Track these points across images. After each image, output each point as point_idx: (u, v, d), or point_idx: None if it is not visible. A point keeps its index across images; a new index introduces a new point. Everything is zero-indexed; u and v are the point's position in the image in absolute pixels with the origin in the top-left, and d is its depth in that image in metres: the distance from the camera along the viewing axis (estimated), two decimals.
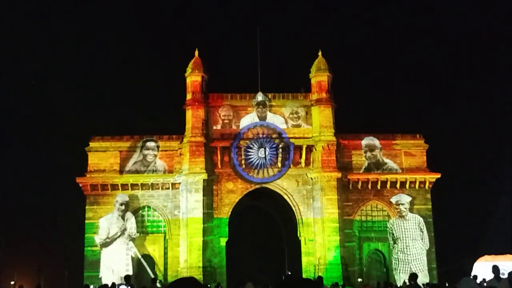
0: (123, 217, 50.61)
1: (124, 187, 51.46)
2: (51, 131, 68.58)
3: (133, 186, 51.57)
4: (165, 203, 51.77)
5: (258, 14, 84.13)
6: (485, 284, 24.75)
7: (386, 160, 53.53)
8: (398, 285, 44.71)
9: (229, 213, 51.45)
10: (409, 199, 52.41)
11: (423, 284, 37.54)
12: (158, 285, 26.37)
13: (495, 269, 14.93)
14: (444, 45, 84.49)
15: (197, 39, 77.37)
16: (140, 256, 50.70)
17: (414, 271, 49.87)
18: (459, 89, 77.60)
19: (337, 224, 50.16)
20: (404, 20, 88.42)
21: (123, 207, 50.57)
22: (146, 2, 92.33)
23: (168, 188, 51.79)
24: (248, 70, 58.12)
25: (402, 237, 51.79)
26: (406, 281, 37.09)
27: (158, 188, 51.79)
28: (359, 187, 52.77)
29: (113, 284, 30.20)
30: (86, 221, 51.18)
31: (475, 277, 30.67)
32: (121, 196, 50.62)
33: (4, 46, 69.48)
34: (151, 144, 52.47)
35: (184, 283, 3.88)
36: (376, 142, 53.71)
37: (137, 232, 50.98)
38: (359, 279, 50.14)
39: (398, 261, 51.38)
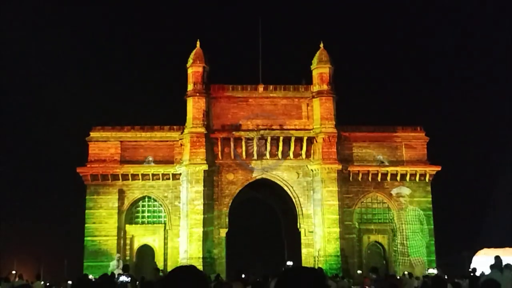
0: None
1: (125, 177, 51.49)
2: (52, 120, 68.66)
3: (134, 176, 51.61)
4: (165, 194, 51.83)
5: (260, 6, 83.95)
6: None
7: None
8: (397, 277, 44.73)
9: (230, 204, 51.49)
10: (409, 191, 52.42)
11: (423, 276, 37.56)
12: (159, 273, 26.49)
13: (497, 260, 14.68)
14: (446, 38, 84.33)
15: (198, 30, 77.43)
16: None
17: (413, 263, 50.07)
18: (460, 82, 77.52)
19: (337, 216, 50.18)
20: (405, 15, 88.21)
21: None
22: None
23: (169, 179, 51.80)
24: (250, 61, 58.03)
25: (402, 229, 51.85)
26: (406, 273, 37.21)
27: (159, 179, 51.82)
28: (360, 179, 52.81)
29: (113, 273, 30.26)
30: (86, 211, 51.25)
31: (474, 269, 30.66)
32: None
33: (6, 39, 69.43)
34: (151, 134, 52.46)
35: (184, 271, 3.85)
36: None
37: (137, 222, 51.28)
38: (359, 271, 50.19)
39: (398, 253, 51.46)
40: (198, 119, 50.95)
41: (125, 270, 25.26)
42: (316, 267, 45.42)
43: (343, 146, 52.82)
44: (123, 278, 25.40)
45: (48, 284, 40.76)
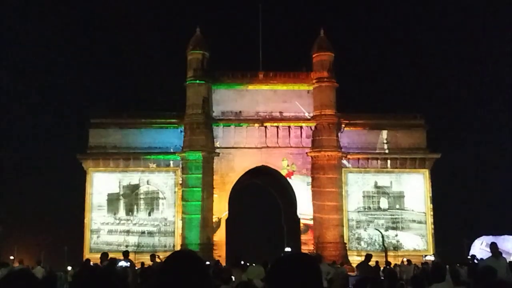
0: None
1: (125, 163, 51.56)
2: (53, 108, 68.70)
3: (134, 162, 51.65)
4: (165, 180, 51.87)
5: None
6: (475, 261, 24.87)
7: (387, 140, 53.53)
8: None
9: (229, 191, 51.57)
10: (409, 179, 52.58)
11: (422, 263, 37.68)
12: (157, 260, 26.52)
13: (493, 247, 14.63)
14: (446, 26, 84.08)
15: (198, 17, 77.15)
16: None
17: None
18: (461, 71, 77.39)
19: (336, 203, 50.26)
20: (405, 3, 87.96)
21: None
22: None
23: (168, 165, 51.87)
24: (250, 48, 57.89)
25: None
26: (405, 260, 37.33)
27: (159, 165, 51.88)
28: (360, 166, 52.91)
29: (112, 258, 30.35)
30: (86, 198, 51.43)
31: (473, 256, 30.74)
32: None
33: (8, 27, 69.39)
34: (151, 120, 52.43)
35: (182, 256, 3.85)
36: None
37: (138, 208, 51.49)
38: (357, 258, 50.26)
39: (397, 240, 51.58)
40: (198, 105, 50.88)
41: (125, 256, 25.31)
42: (315, 253, 45.54)
43: (343, 133, 52.82)
44: (123, 263, 25.53)
45: (48, 269, 40.91)
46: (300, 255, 3.66)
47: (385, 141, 53.41)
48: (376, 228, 52.02)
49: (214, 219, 51.01)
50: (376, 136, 53.42)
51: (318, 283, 3.47)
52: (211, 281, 3.78)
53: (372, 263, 26.15)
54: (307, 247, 50.05)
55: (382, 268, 27.78)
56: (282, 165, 52.03)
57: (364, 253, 51.27)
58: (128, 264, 24.38)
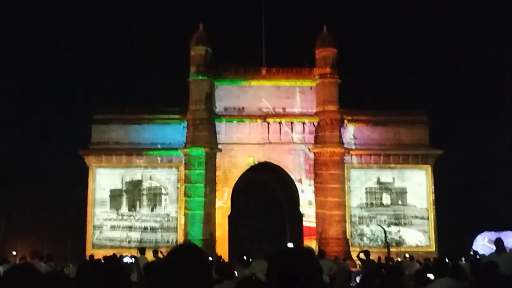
0: None
1: (128, 159, 51.61)
2: (55, 103, 68.76)
3: (137, 158, 51.70)
4: (168, 176, 51.93)
5: None
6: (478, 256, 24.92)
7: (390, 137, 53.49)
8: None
9: (232, 187, 51.59)
10: (412, 175, 52.53)
11: (424, 259, 37.69)
12: (160, 256, 26.70)
13: (498, 243, 14.51)
14: (450, 22, 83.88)
15: (202, 13, 76.98)
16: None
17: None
18: (464, 66, 77.12)
19: (339, 199, 50.26)
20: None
21: None
22: None
23: (171, 161, 51.92)
24: (253, 44, 57.80)
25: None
26: (407, 255, 37.34)
27: (161, 161, 51.93)
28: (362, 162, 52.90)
29: (114, 255, 30.38)
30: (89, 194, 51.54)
31: (475, 252, 30.75)
32: None
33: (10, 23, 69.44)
34: (154, 116, 52.45)
35: (184, 250, 3.83)
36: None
37: (140, 204, 51.56)
38: (361, 254, 50.20)
39: (399, 236, 51.58)
40: (201, 101, 50.89)
41: (142, 252, 25.33)
42: (317, 249, 45.57)
43: (346, 130, 52.81)
44: (127, 259, 25.61)
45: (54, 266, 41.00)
46: (299, 248, 3.69)
47: (388, 137, 53.34)
48: (378, 224, 52.01)
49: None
50: (379, 132, 53.39)
51: (317, 275, 3.50)
52: (212, 274, 3.80)
53: (374, 258, 26.29)
54: (310, 243, 50.09)
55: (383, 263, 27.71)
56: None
57: (366, 249, 51.50)
58: (132, 260, 24.48)
